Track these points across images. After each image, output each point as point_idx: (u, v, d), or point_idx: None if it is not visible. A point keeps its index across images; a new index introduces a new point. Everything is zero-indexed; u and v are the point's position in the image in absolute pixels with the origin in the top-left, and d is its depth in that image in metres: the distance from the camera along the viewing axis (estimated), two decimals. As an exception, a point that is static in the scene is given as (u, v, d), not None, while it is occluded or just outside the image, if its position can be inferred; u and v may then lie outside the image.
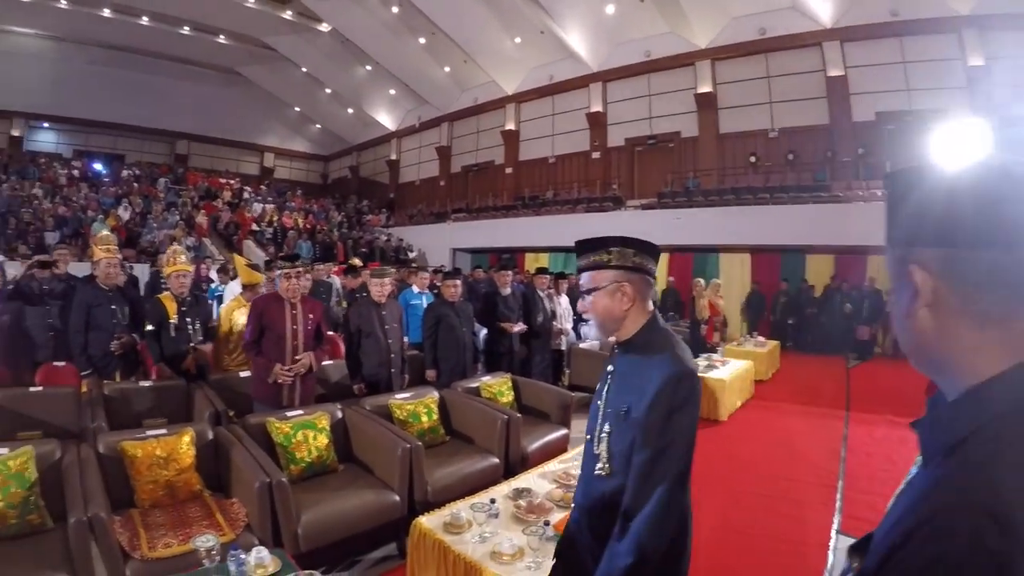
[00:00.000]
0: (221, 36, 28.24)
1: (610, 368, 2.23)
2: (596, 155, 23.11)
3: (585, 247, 2.23)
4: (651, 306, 2.20)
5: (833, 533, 4.95)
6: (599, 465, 2.12)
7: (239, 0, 24.37)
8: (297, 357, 5.38)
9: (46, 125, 31.66)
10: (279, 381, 5.32)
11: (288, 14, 25.55)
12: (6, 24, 26.86)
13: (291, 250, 21.01)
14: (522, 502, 3.95)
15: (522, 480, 4.52)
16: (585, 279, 2.20)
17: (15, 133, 30.03)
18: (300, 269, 5.56)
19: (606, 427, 2.12)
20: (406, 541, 4.28)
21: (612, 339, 2.24)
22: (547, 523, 3.52)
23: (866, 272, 15.39)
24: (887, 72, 16.84)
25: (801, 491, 5.84)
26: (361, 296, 8.40)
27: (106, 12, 25.50)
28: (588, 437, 2.22)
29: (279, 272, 5.53)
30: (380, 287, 6.42)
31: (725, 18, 19.25)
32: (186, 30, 27.46)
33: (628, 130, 22.27)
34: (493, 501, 3.83)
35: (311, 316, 5.55)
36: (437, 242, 25.14)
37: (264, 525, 3.87)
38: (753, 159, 18.90)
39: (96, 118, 31.63)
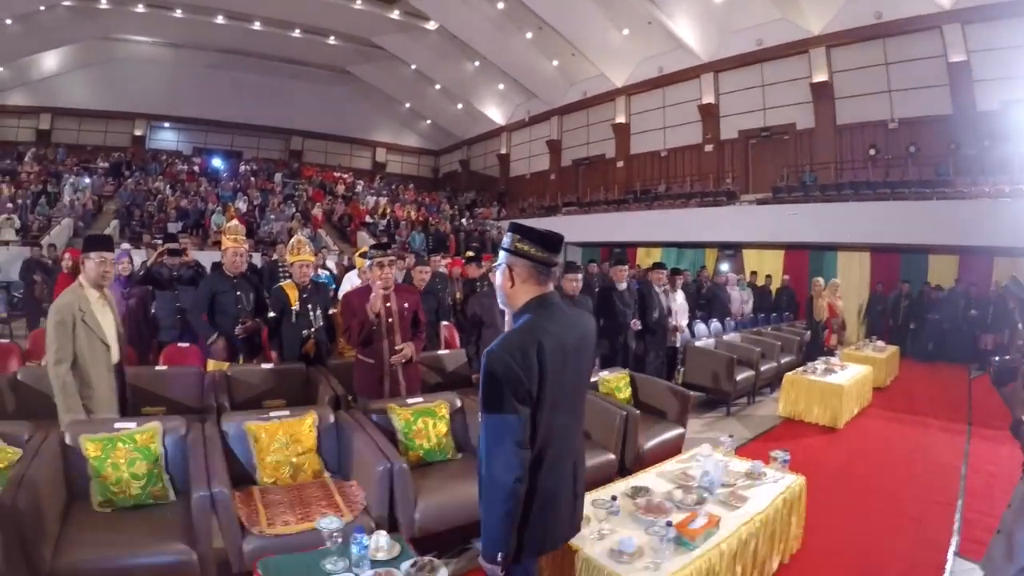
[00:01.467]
0: (331, 37, 29.10)
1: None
2: (709, 148, 22.50)
3: (507, 230, 2.63)
4: (545, 289, 2.54)
5: (950, 555, 4.63)
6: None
7: (346, 2, 25.03)
8: (398, 348, 5.25)
9: (167, 125, 34.01)
10: (375, 310, 5.12)
11: (395, 14, 26.02)
12: (127, 34, 28.98)
13: (404, 241, 21.40)
14: (641, 501, 3.86)
15: (640, 478, 4.40)
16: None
17: (138, 133, 32.42)
18: (392, 257, 5.39)
19: None
20: None
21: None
22: (669, 524, 3.38)
23: (992, 275, 14.31)
24: (1013, 56, 15.49)
25: (919, 508, 5.52)
26: (482, 287, 8.36)
27: (220, 19, 27.02)
28: None
29: (370, 261, 5.38)
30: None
31: (839, 2, 18.36)
32: (297, 33, 28.51)
33: (741, 122, 21.60)
34: (614, 498, 3.73)
35: (406, 305, 5.39)
36: (548, 236, 24.81)
37: (382, 509, 3.94)
38: (872, 152, 18.00)
39: (213, 117, 33.50)
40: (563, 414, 2.52)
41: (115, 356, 4.51)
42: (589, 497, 3.81)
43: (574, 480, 2.63)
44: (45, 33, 26.07)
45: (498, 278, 2.61)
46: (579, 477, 2.67)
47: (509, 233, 2.57)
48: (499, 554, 2.35)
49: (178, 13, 26.64)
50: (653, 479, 4.36)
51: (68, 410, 4.18)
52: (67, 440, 3.86)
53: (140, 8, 26.02)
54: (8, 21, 24.09)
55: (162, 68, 31.80)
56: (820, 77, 19.12)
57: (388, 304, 5.25)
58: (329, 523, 2.95)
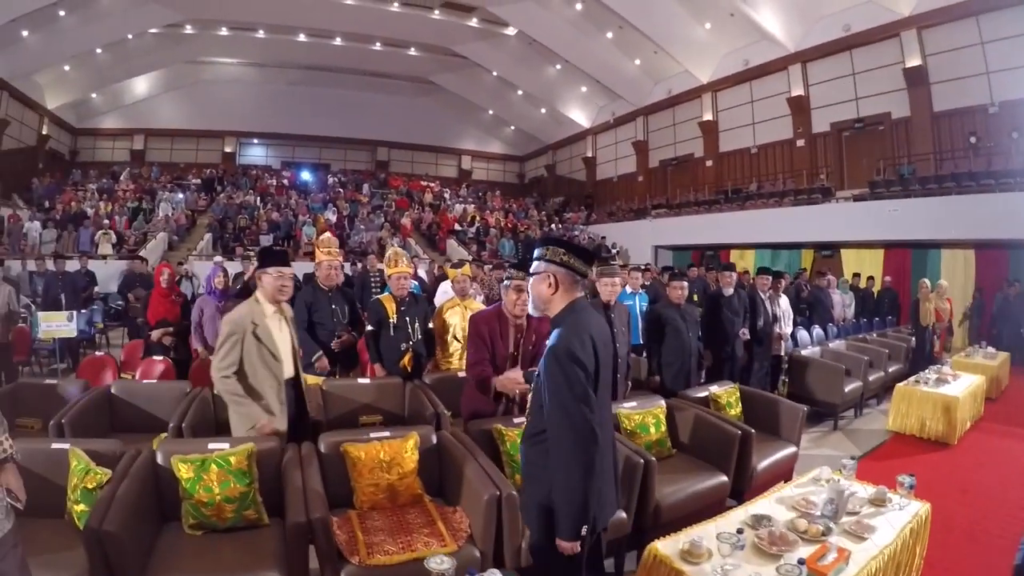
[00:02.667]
0: (411, 48, 29.58)
1: (547, 341, 2.86)
2: (800, 143, 21.74)
3: (537, 245, 3.03)
4: (576, 295, 2.89)
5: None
6: (527, 414, 3.02)
7: (425, 13, 25.48)
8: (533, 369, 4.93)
9: (255, 141, 35.72)
10: (501, 387, 4.56)
11: (473, 22, 26.28)
12: (213, 56, 30.76)
13: (494, 248, 21.39)
14: (763, 532, 3.58)
15: (758, 505, 4.11)
16: (532, 267, 2.98)
17: (228, 149, 34.15)
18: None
19: (533, 385, 2.92)
20: (624, 557, 4.23)
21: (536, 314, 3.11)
22: (801, 561, 3.19)
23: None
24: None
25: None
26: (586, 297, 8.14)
27: (301, 37, 28.28)
28: None
29: (505, 282, 4.84)
30: (611, 287, 5.93)
31: (927, -22, 17.48)
32: (377, 46, 29.20)
33: (833, 113, 20.77)
34: (740, 531, 3.44)
35: (536, 337, 4.72)
36: (638, 239, 24.82)
37: (488, 538, 3.71)
38: (973, 139, 16.98)
39: (300, 132, 34.76)
40: (605, 403, 2.91)
41: (288, 371, 4.47)
42: (703, 526, 3.72)
43: (614, 461, 3.04)
44: (134, 60, 27.91)
45: (538, 286, 2.93)
46: (617, 460, 3.13)
47: (551, 247, 2.93)
48: (583, 527, 2.63)
49: (260, 34, 28.03)
50: (772, 506, 4.10)
51: (245, 417, 4.25)
52: (159, 460, 3.85)
53: (224, 32, 27.60)
54: (98, 51, 25.88)
55: (248, 87, 33.25)
56: (913, 62, 18.15)
57: (519, 336, 4.80)
58: (439, 564, 2.78)
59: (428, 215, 27.03)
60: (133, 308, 11.54)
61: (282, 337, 4.43)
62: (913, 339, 10.91)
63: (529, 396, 3.03)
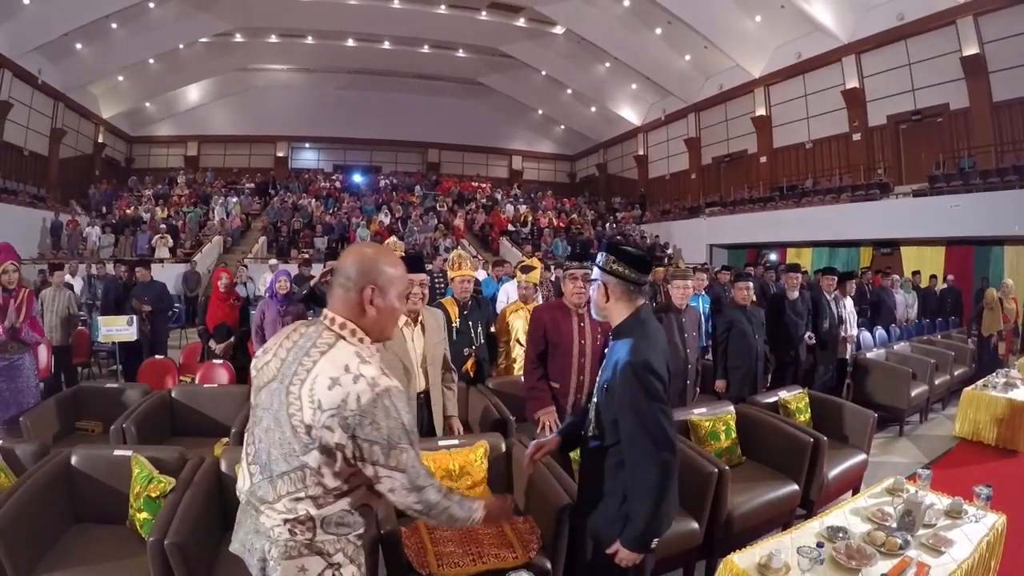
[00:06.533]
0: (460, 50, 29.88)
1: (606, 350, 2.91)
2: (856, 137, 21.28)
3: (600, 249, 2.94)
4: (638, 303, 2.77)
5: None
6: (591, 427, 2.83)
7: (472, 15, 25.78)
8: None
9: (307, 145, 36.30)
10: (541, 421, 4.44)
11: (521, 21, 26.44)
12: (263, 63, 31.47)
13: (548, 249, 21.32)
14: (840, 545, 3.48)
15: (833, 517, 3.99)
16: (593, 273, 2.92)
17: (280, 154, 34.79)
18: (588, 271, 4.51)
19: (595, 397, 2.83)
20: (694, 568, 4.20)
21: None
22: None
23: None
24: None
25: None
26: (653, 300, 8.01)
27: (350, 42, 28.82)
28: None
29: (565, 273, 4.85)
30: (683, 290, 5.97)
31: (981, -36, 16.97)
32: (426, 48, 29.53)
33: (889, 106, 20.25)
34: (821, 545, 3.37)
35: (600, 330, 4.60)
36: (692, 238, 24.78)
37: (560, 549, 3.61)
38: None
39: (351, 135, 35.16)
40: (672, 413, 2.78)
41: (419, 384, 4.34)
42: (788, 540, 3.64)
43: None
44: (186, 69, 28.88)
45: (593, 294, 2.87)
46: None
47: (603, 253, 2.83)
48: (656, 538, 2.60)
49: (309, 40, 28.68)
50: (847, 517, 4.00)
51: None
52: (223, 468, 3.83)
53: (273, 39, 28.38)
54: (151, 61, 26.70)
55: (298, 92, 33.87)
56: (970, 50, 17.62)
57: (582, 324, 4.64)
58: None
59: (481, 216, 27.08)
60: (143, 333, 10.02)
61: (414, 348, 4.30)
62: (969, 341, 10.66)
63: (590, 410, 2.87)
